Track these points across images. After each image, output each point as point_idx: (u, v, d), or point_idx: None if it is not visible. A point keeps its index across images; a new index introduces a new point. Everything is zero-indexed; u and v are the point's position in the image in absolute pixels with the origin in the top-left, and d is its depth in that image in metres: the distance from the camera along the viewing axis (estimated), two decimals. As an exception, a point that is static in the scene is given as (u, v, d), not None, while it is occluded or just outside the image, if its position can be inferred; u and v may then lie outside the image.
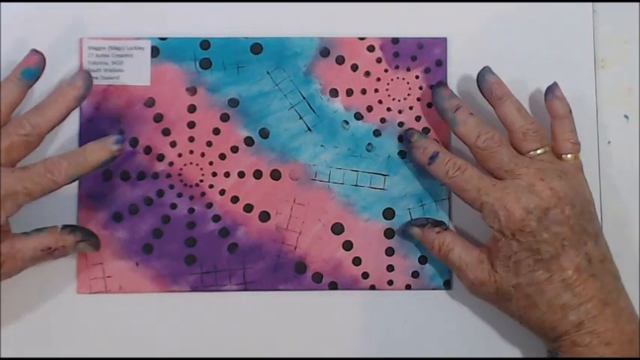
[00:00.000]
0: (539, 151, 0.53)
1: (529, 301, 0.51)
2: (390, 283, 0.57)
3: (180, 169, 0.57)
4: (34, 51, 0.54)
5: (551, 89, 0.55)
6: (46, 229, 0.53)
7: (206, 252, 0.57)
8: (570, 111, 0.55)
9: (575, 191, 0.52)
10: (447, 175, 0.54)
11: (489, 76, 0.55)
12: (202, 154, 0.57)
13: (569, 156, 0.54)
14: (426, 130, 0.58)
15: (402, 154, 0.58)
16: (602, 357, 0.50)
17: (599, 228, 0.53)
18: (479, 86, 0.56)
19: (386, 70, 0.58)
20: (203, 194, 0.57)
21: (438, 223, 0.56)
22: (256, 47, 0.58)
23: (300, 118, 0.58)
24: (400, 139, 0.58)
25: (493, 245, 0.53)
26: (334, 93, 0.58)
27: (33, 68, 0.53)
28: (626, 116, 0.59)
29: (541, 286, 0.51)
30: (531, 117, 0.54)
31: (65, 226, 0.53)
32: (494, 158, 0.53)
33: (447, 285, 0.57)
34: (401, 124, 0.58)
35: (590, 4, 0.59)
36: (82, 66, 0.57)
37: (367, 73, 0.58)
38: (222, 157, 0.58)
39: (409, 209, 0.58)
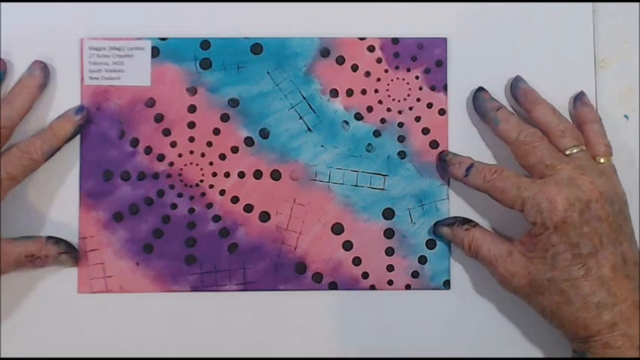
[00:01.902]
0: (575, 150, 0.54)
1: (563, 297, 0.51)
2: (390, 283, 0.57)
3: (181, 169, 0.57)
4: None
5: (579, 97, 0.57)
6: (32, 237, 0.55)
7: (206, 252, 0.57)
8: (600, 117, 0.56)
9: (614, 190, 0.53)
10: (485, 180, 0.54)
11: (522, 82, 0.57)
12: (202, 155, 0.58)
13: (602, 159, 0.54)
14: (425, 131, 0.58)
15: (402, 154, 0.58)
16: (632, 358, 0.49)
17: (632, 230, 0.53)
18: (513, 93, 0.58)
19: (386, 71, 0.58)
20: (203, 194, 0.57)
21: (466, 221, 0.56)
22: (256, 47, 0.58)
23: (300, 118, 0.58)
24: (399, 139, 0.58)
25: (529, 239, 0.52)
26: (334, 93, 0.58)
27: None
28: (626, 116, 0.59)
29: (577, 282, 0.50)
30: (565, 118, 0.56)
31: (50, 237, 0.56)
32: (535, 153, 0.54)
33: (447, 285, 0.57)
34: (401, 124, 0.58)
35: (590, 4, 0.59)
36: (83, 66, 0.57)
37: (367, 74, 0.58)
38: (223, 157, 0.58)
39: (409, 209, 0.58)
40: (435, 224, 0.57)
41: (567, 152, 0.54)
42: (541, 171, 0.53)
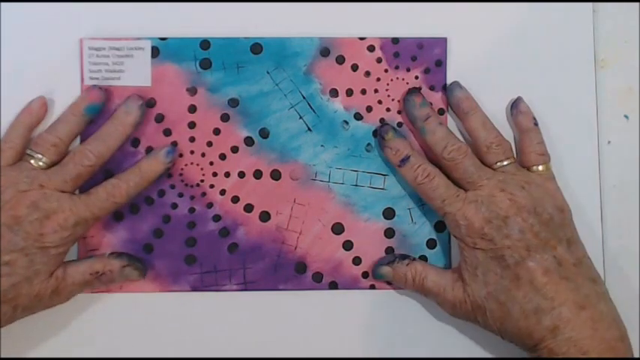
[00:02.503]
0: (504, 163, 0.54)
1: (502, 310, 0.51)
2: (390, 282, 0.57)
3: (181, 169, 0.57)
4: (97, 87, 0.56)
5: (515, 104, 0.57)
6: (96, 256, 0.56)
7: (206, 252, 0.57)
8: (536, 124, 0.56)
9: (540, 200, 0.53)
10: (416, 181, 0.55)
11: (458, 91, 0.57)
12: (203, 154, 0.57)
13: (540, 167, 0.55)
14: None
15: (402, 154, 0.58)
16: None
17: (572, 234, 0.53)
18: (448, 100, 0.57)
19: (386, 71, 0.58)
20: (204, 194, 0.57)
21: (406, 256, 0.56)
22: (256, 47, 0.58)
23: (300, 118, 0.58)
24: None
25: (461, 260, 0.54)
26: (334, 93, 0.58)
27: (97, 104, 0.56)
28: (626, 116, 0.59)
29: (511, 293, 0.51)
30: (496, 131, 0.56)
31: (113, 253, 0.56)
32: (458, 169, 0.54)
33: (447, 285, 0.57)
34: (400, 124, 0.58)
35: (590, 4, 0.59)
36: (83, 66, 0.57)
37: (367, 73, 0.58)
38: (223, 157, 0.58)
39: (409, 209, 0.58)
40: (375, 267, 0.57)
41: (496, 165, 0.54)
42: (464, 186, 0.54)
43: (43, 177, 0.53)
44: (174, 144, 0.57)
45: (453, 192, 0.54)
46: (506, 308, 0.51)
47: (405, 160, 0.55)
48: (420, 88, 0.58)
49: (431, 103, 0.57)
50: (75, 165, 0.54)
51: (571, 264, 0.51)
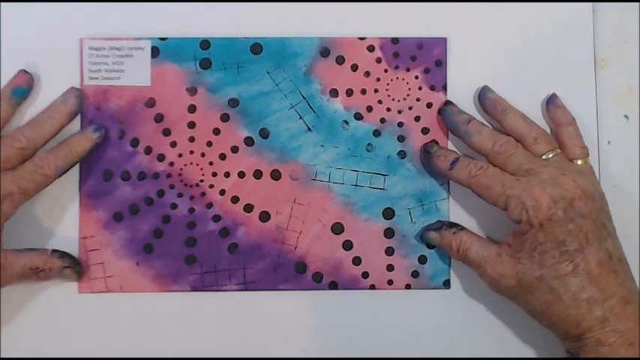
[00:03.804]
0: (551, 155, 0.54)
1: (553, 295, 0.51)
2: (390, 282, 0.57)
3: (181, 169, 0.57)
4: (23, 71, 0.57)
5: (552, 100, 0.57)
6: (37, 250, 0.55)
7: (206, 252, 0.57)
8: (574, 118, 0.56)
9: (595, 188, 0.53)
10: (470, 175, 0.54)
11: (490, 93, 0.57)
12: (202, 154, 0.57)
13: (579, 161, 0.55)
14: (425, 130, 0.58)
15: (402, 154, 0.58)
16: (625, 358, 0.49)
17: (614, 228, 0.53)
18: (482, 104, 0.57)
19: (386, 70, 0.58)
20: (203, 194, 0.57)
21: (453, 224, 0.56)
22: (256, 47, 0.58)
23: (300, 118, 0.58)
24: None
25: (515, 240, 0.52)
26: (334, 93, 0.58)
27: (23, 87, 0.56)
28: (626, 116, 0.59)
29: (566, 279, 0.50)
30: (537, 124, 0.56)
31: (55, 251, 0.55)
32: (513, 161, 0.54)
33: (447, 285, 0.57)
34: (400, 124, 0.58)
35: (590, 4, 0.59)
36: (83, 69, 0.57)
37: (367, 73, 0.58)
38: (223, 157, 0.58)
39: (409, 209, 0.58)
40: (423, 230, 0.57)
41: (543, 157, 0.54)
42: (522, 176, 0.53)
43: None
44: (174, 144, 0.57)
45: (511, 177, 0.53)
46: (557, 293, 0.51)
47: (454, 162, 0.55)
48: (450, 100, 0.58)
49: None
50: (4, 147, 0.54)
51: (617, 258, 0.52)
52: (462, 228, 0.56)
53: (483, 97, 0.57)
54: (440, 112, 0.57)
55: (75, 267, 0.55)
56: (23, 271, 0.54)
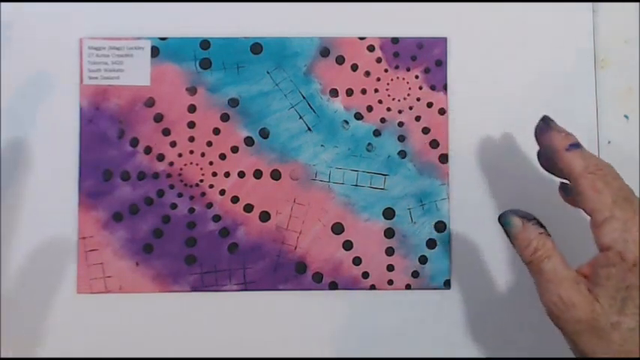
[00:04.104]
0: None
1: (624, 346, 0.44)
2: (390, 282, 0.57)
3: (181, 169, 0.57)
4: None
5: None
6: None
7: (206, 252, 0.57)
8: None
9: None
10: (586, 169, 0.47)
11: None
12: (202, 154, 0.57)
13: None
14: (426, 130, 0.58)
15: (402, 154, 0.58)
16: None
17: None
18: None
19: (386, 70, 0.58)
20: (203, 194, 0.57)
21: (543, 226, 0.48)
22: (256, 47, 0.58)
23: (300, 117, 0.58)
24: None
25: (594, 271, 0.45)
26: (334, 93, 0.58)
27: None
28: (626, 116, 0.59)
29: (635, 332, 0.43)
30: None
31: None
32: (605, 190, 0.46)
33: (447, 285, 0.57)
34: (401, 123, 0.58)
35: (590, 4, 0.59)
36: (82, 68, 0.57)
37: (367, 73, 0.58)
38: (223, 157, 0.58)
39: (409, 209, 0.58)
40: (508, 211, 0.48)
41: None
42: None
43: None
44: (174, 144, 0.57)
45: (629, 193, 0.46)
46: (628, 348, 0.44)
47: (575, 145, 0.47)
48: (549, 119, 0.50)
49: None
50: None
51: None
52: (550, 234, 0.47)
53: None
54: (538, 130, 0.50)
55: None
56: None
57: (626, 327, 0.44)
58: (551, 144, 0.48)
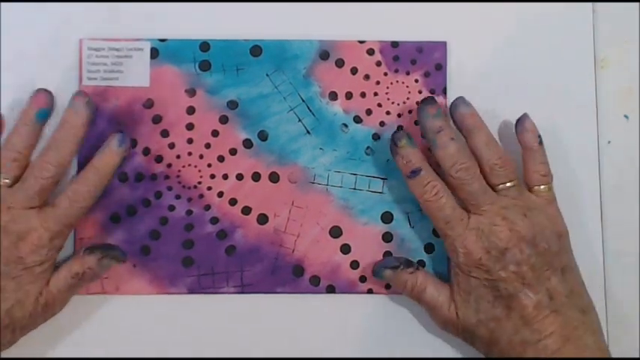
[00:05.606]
0: (507, 184, 0.53)
1: (491, 337, 0.52)
2: (388, 286, 0.57)
3: (179, 170, 0.57)
4: (43, 90, 0.56)
5: (521, 121, 0.55)
6: (72, 257, 0.55)
7: (204, 254, 0.57)
8: (541, 142, 0.55)
9: (541, 228, 0.52)
10: (423, 197, 0.53)
11: (462, 107, 0.55)
12: (201, 156, 0.57)
13: (541, 187, 0.54)
14: (424, 133, 0.58)
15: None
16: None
17: (568, 261, 0.53)
18: (452, 116, 0.56)
19: (385, 74, 0.58)
20: (201, 196, 0.57)
21: (411, 264, 0.55)
22: (256, 49, 0.58)
23: (300, 120, 0.58)
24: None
25: (454, 282, 0.53)
26: (333, 96, 0.58)
27: (45, 109, 0.55)
28: (626, 116, 0.58)
29: (501, 323, 0.51)
30: (500, 151, 0.54)
31: (86, 249, 0.55)
32: (464, 190, 0.53)
33: (446, 289, 0.57)
34: (400, 127, 0.58)
35: (590, 4, 0.59)
36: (82, 69, 0.57)
37: (367, 77, 0.58)
38: (221, 159, 0.57)
39: (407, 213, 0.57)
40: (378, 265, 0.55)
41: (500, 187, 0.53)
42: (468, 207, 0.53)
43: (9, 197, 0.53)
44: (172, 145, 0.57)
45: (458, 215, 0.53)
46: (495, 336, 0.51)
47: (415, 173, 0.53)
48: (433, 98, 0.55)
49: (446, 114, 0.56)
50: (36, 179, 0.53)
51: (563, 295, 0.51)
52: (418, 267, 0.55)
53: (454, 109, 0.55)
54: (418, 110, 0.55)
55: (109, 253, 0.54)
56: (68, 282, 0.54)
57: (486, 319, 0.52)
58: (398, 167, 0.55)
